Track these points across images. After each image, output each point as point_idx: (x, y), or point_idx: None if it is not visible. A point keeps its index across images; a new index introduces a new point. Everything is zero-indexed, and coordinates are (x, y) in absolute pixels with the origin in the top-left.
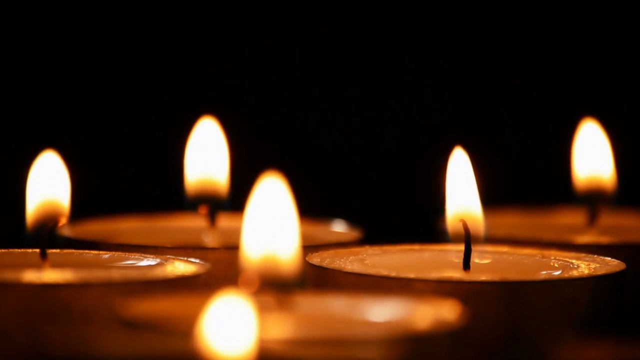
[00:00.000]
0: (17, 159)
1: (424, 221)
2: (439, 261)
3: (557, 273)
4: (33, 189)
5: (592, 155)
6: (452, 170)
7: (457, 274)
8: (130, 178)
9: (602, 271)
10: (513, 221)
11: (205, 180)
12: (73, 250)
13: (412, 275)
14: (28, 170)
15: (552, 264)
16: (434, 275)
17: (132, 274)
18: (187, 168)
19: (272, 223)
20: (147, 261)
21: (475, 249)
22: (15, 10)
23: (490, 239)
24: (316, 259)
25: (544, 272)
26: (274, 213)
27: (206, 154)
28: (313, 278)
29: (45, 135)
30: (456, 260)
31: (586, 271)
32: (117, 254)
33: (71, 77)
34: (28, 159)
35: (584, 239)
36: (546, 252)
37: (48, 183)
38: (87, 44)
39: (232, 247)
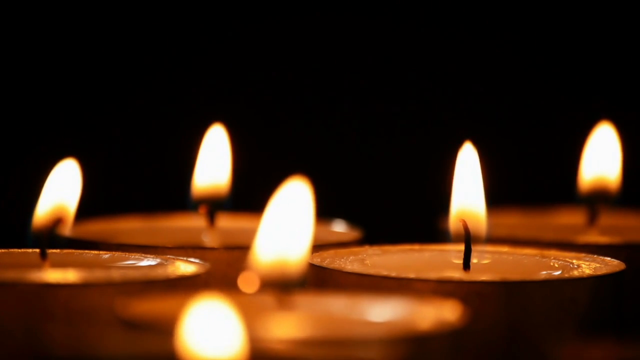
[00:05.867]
0: (33, 163)
1: (424, 221)
2: (439, 261)
3: (557, 273)
4: (46, 193)
5: (601, 157)
6: (460, 167)
7: (457, 274)
8: (131, 178)
9: (602, 271)
10: (513, 221)
11: (208, 181)
12: (73, 250)
13: (412, 275)
14: (44, 175)
15: (552, 264)
16: (434, 275)
17: (132, 274)
18: (195, 170)
19: (289, 226)
20: (147, 261)
21: (476, 248)
22: (33, 23)
23: (490, 239)
24: (316, 259)
25: (544, 272)
26: (294, 216)
27: (210, 155)
28: (313, 278)
29: (52, 135)
30: (456, 261)
31: (586, 271)
32: (117, 254)
33: (81, 82)
34: (43, 164)
35: (584, 239)
36: (546, 252)
37: (61, 187)
38: (99, 52)
39: (231, 247)
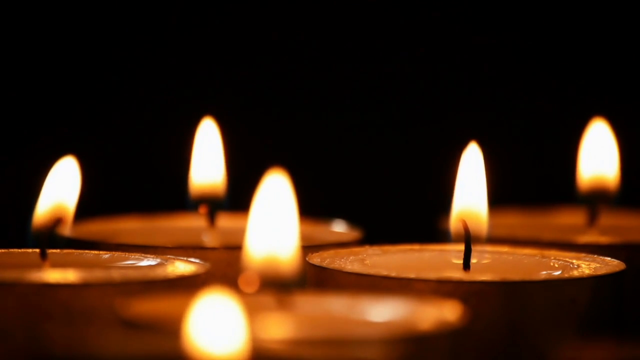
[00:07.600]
0: (31, 162)
1: (424, 221)
2: (439, 261)
3: (557, 273)
4: (46, 193)
5: (598, 155)
6: (465, 167)
7: (457, 274)
8: (130, 178)
9: (602, 271)
10: (513, 221)
11: (205, 180)
12: (73, 250)
13: (412, 275)
14: (43, 174)
15: (552, 264)
16: (434, 275)
17: (132, 274)
18: (191, 170)
19: (274, 221)
20: (147, 261)
21: (476, 248)
22: (30, 21)
23: (490, 239)
24: (316, 259)
25: (544, 272)
26: (276, 211)
27: (206, 154)
28: (313, 278)
29: (50, 134)
30: (456, 261)
31: (586, 271)
32: (117, 254)
33: (76, 80)
34: (41, 163)
35: (584, 239)
36: (546, 252)
37: (60, 186)
38: (90, 48)
39: (231, 247)
